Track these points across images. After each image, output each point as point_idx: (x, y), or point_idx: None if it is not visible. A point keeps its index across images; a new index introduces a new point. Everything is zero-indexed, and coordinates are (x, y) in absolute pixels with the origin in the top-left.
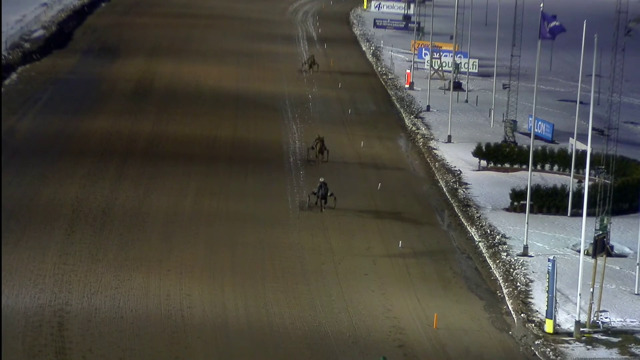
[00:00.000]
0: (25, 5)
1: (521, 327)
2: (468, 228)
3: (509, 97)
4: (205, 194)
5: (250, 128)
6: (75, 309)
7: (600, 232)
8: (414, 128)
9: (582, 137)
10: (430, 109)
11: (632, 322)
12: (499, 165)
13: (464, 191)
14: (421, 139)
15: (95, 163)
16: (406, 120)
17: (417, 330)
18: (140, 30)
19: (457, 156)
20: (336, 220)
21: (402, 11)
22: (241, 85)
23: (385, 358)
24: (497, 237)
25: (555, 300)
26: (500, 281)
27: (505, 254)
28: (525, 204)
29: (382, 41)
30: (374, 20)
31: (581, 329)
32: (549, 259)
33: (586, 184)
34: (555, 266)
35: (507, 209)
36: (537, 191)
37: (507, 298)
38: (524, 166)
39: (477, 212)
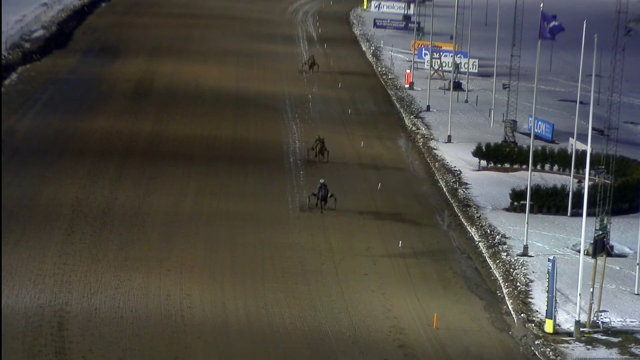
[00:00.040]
0: (25, 5)
1: (521, 327)
2: (468, 228)
3: (509, 97)
4: (205, 194)
5: (250, 128)
6: (75, 309)
7: (600, 232)
8: (414, 128)
9: (582, 137)
10: (430, 109)
11: (632, 322)
12: (499, 165)
13: (464, 191)
14: (421, 139)
15: (95, 163)
16: (406, 120)
17: (417, 330)
18: (140, 30)
19: (457, 156)
20: (336, 220)
21: (402, 11)
22: (241, 85)
23: None
24: (497, 237)
25: (555, 300)
26: (500, 281)
27: (505, 254)
28: (525, 204)
29: (382, 41)
30: (374, 20)
31: (581, 329)
32: (549, 259)
33: (586, 184)
34: (555, 266)
35: (507, 209)
36: (537, 191)
37: (507, 298)
38: (524, 166)
39: (477, 212)
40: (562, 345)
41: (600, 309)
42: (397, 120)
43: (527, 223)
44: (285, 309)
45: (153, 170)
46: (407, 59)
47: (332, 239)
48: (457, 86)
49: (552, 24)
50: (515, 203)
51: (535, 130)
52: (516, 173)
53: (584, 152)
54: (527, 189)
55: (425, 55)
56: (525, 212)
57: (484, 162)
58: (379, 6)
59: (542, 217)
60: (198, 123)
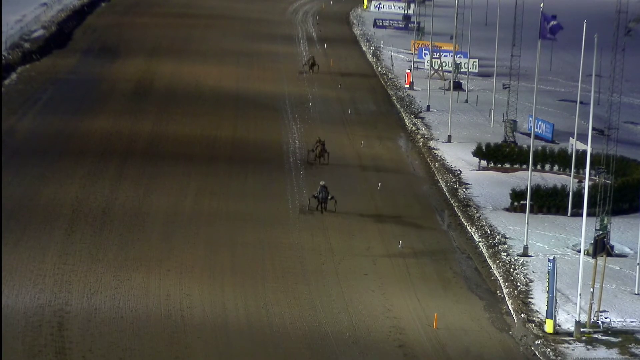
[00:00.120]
0: (25, 5)
1: (521, 327)
2: (468, 228)
3: (509, 97)
4: (205, 194)
5: (250, 128)
6: (75, 309)
7: (601, 232)
8: (414, 128)
9: (582, 137)
10: (430, 109)
11: (632, 322)
12: (499, 165)
13: (464, 191)
14: (421, 139)
15: (95, 163)
16: (406, 120)
17: (417, 330)
18: (140, 30)
19: (457, 156)
20: (336, 220)
21: (402, 11)
22: (241, 85)
23: None
24: (497, 237)
25: (555, 300)
26: (500, 281)
27: (505, 254)
28: (525, 204)
29: (382, 41)
30: (374, 20)
31: (581, 329)
32: (549, 259)
33: (586, 184)
34: (555, 266)
35: (507, 209)
36: (537, 191)
37: (507, 298)
38: (524, 166)
39: (477, 212)
40: (562, 345)
41: (601, 309)
42: (397, 120)
43: (527, 223)
44: (285, 309)
45: (153, 170)
46: (407, 59)
47: (332, 239)
48: (457, 86)
49: (552, 23)
50: (516, 203)
51: (536, 130)
52: (516, 173)
53: (584, 152)
54: (527, 189)
55: (425, 55)
56: (526, 212)
57: (484, 162)
58: (379, 6)
59: (542, 217)
60: (198, 123)
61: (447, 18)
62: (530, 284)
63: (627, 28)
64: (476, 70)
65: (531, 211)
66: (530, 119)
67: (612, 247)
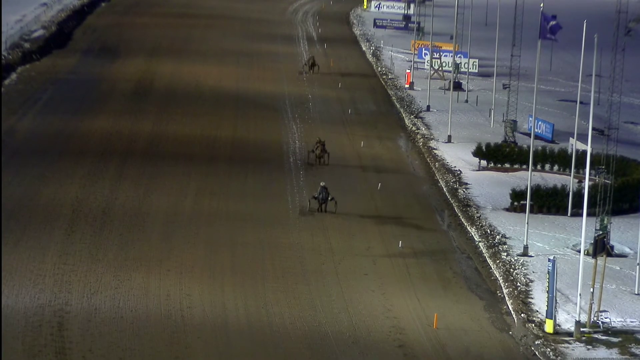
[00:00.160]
0: (25, 5)
1: (521, 327)
2: (468, 228)
3: (509, 97)
4: (205, 194)
5: (250, 128)
6: (75, 309)
7: (601, 232)
8: (414, 128)
9: (582, 137)
10: (430, 109)
11: (632, 322)
12: (499, 165)
13: (464, 191)
14: (421, 139)
15: (95, 163)
16: (406, 120)
17: (417, 330)
18: (140, 30)
19: (457, 156)
20: (336, 220)
21: (402, 11)
22: (241, 85)
23: None
24: (497, 237)
25: (556, 300)
26: (500, 281)
27: (505, 254)
28: (525, 204)
29: (382, 41)
30: (374, 20)
31: (581, 329)
32: (549, 259)
33: (586, 184)
34: (555, 266)
35: (507, 209)
36: (537, 191)
37: (507, 298)
38: (524, 166)
39: (477, 212)
40: (563, 345)
41: (601, 309)
42: (397, 120)
43: (527, 223)
44: (285, 309)
45: (153, 170)
46: (407, 59)
47: (332, 239)
48: (457, 86)
49: (551, 23)
50: (516, 203)
51: (536, 130)
52: (516, 173)
53: (584, 152)
54: (527, 189)
55: (425, 55)
56: (526, 212)
57: (484, 162)
58: (379, 6)
59: (542, 217)
60: (198, 123)
61: (447, 18)
62: (530, 284)
63: (627, 28)
64: (476, 70)
65: (531, 211)
66: (530, 119)
67: (612, 247)
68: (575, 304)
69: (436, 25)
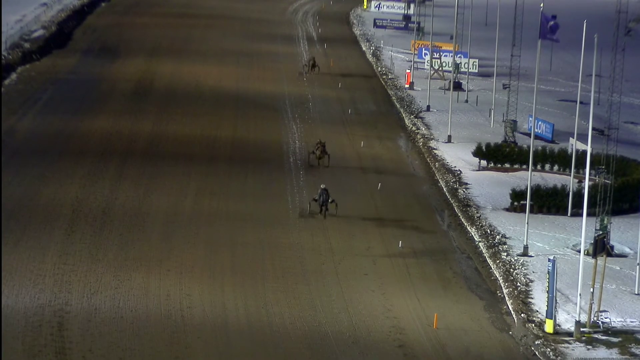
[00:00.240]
0: (25, 5)
1: (521, 327)
2: (468, 228)
3: (509, 97)
4: (205, 194)
5: (250, 128)
6: (75, 309)
7: (601, 232)
8: (414, 128)
9: (582, 137)
10: (430, 109)
11: (632, 322)
12: (499, 165)
13: (464, 191)
14: (421, 139)
15: (95, 163)
16: (406, 120)
17: (417, 330)
18: (140, 30)
19: (457, 156)
20: (336, 220)
21: (402, 11)
22: (241, 85)
23: None
24: (497, 237)
25: (556, 300)
26: (500, 281)
27: (505, 254)
28: (525, 204)
29: (382, 41)
30: (374, 20)
31: (581, 329)
32: (549, 259)
33: (586, 184)
34: (555, 266)
35: (507, 209)
36: (537, 191)
37: (507, 298)
38: (524, 166)
39: (477, 212)
40: (563, 345)
41: (601, 309)
42: (397, 120)
43: (527, 223)
44: (285, 309)
45: (153, 170)
46: (407, 59)
47: (332, 239)
48: (457, 86)
49: (551, 23)
50: (516, 203)
51: (536, 130)
52: (516, 173)
53: (584, 152)
54: (527, 189)
55: (425, 55)
56: (526, 212)
57: (484, 162)
58: (379, 6)
59: (542, 217)
60: (198, 123)
61: (447, 18)
62: (530, 284)
63: (627, 28)
64: (476, 70)
65: (531, 211)
66: (530, 119)
67: (612, 247)
68: (575, 304)
69: (436, 25)
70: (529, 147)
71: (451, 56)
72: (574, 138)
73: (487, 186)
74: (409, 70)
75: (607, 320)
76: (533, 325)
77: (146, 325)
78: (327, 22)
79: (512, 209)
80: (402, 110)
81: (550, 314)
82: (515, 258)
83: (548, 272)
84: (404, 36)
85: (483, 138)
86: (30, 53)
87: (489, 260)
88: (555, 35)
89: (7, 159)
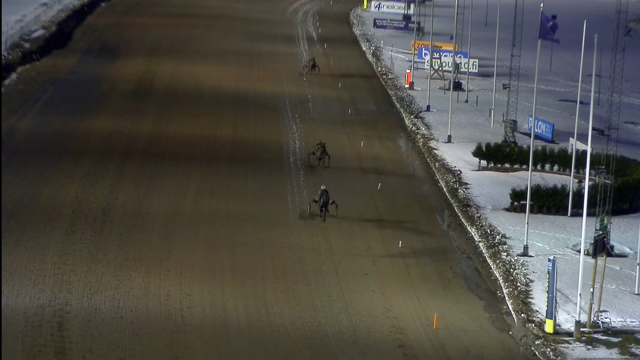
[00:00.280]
0: (25, 5)
1: (521, 327)
2: (468, 228)
3: (509, 97)
4: (205, 194)
5: (250, 128)
6: (75, 309)
7: (601, 232)
8: (414, 128)
9: (582, 137)
10: (430, 109)
11: (632, 322)
12: (499, 165)
13: (464, 191)
14: (421, 139)
15: (95, 163)
16: (406, 120)
17: (417, 330)
18: (140, 30)
19: (457, 156)
20: (336, 220)
21: (402, 11)
22: (241, 85)
23: None
24: (497, 237)
25: (556, 300)
26: (500, 281)
27: (505, 254)
28: (525, 204)
29: (382, 41)
30: (374, 20)
31: (581, 329)
32: (549, 259)
33: (586, 184)
34: (555, 266)
35: (507, 209)
36: (537, 191)
37: (507, 298)
38: (524, 166)
39: (477, 212)
40: (563, 345)
41: (601, 309)
42: (397, 120)
43: (527, 223)
44: (285, 309)
45: (153, 170)
46: (407, 59)
47: (332, 239)
48: (457, 86)
49: (550, 23)
50: (515, 203)
51: (536, 130)
52: (516, 173)
53: (584, 152)
54: (527, 189)
55: (425, 55)
56: (526, 212)
57: (484, 162)
58: (379, 6)
59: (542, 217)
60: (198, 123)
61: (447, 18)
62: (530, 284)
63: (627, 28)
64: (476, 70)
65: (531, 211)
66: (530, 119)
67: (612, 247)
68: (575, 304)
69: (436, 25)
70: (529, 147)
71: (451, 56)
72: (574, 138)
73: (487, 186)
74: (409, 70)
75: (607, 320)
76: (533, 325)
77: (146, 325)
78: (327, 22)
79: (512, 209)
80: (402, 110)
81: (550, 314)
82: (515, 258)
83: (548, 272)
84: (404, 36)
85: (483, 138)
86: (30, 53)
87: (489, 260)
88: (555, 35)
89: (7, 159)
